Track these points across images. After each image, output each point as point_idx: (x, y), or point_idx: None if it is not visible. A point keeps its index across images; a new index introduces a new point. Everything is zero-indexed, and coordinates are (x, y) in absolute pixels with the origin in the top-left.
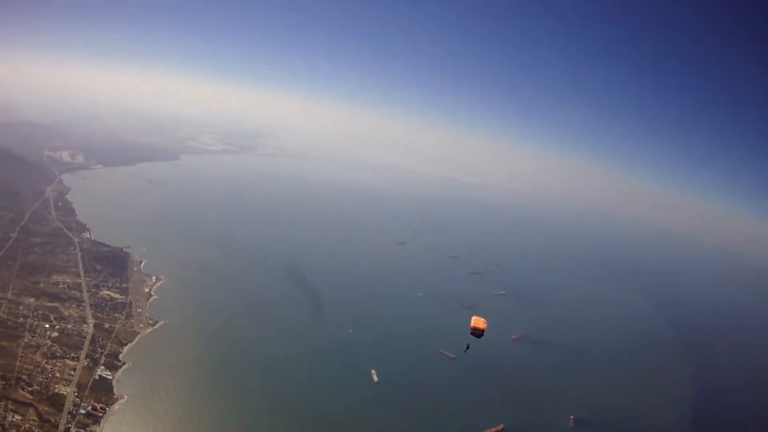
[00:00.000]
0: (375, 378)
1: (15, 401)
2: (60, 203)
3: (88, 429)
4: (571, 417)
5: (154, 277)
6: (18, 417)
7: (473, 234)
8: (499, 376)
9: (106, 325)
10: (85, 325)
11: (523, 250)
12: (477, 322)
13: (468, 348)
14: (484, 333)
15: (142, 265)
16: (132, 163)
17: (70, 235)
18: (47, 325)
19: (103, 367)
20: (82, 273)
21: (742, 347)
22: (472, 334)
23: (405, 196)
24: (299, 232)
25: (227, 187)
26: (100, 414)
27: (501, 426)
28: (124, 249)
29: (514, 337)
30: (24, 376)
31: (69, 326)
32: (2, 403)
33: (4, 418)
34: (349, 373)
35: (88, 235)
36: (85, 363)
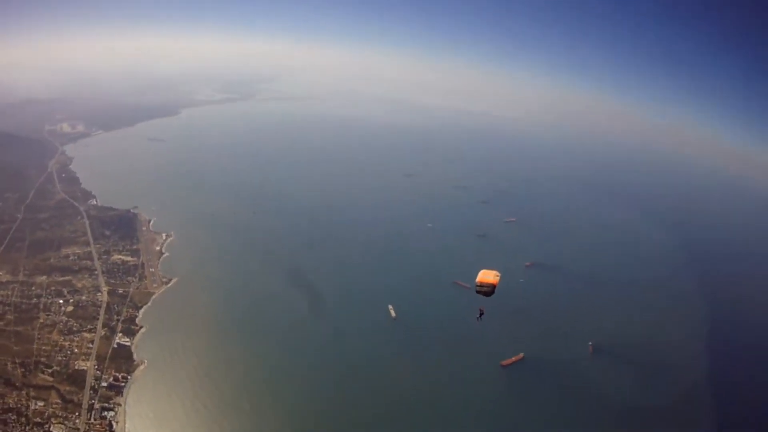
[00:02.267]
0: (393, 313)
1: (36, 387)
2: (64, 175)
3: (111, 402)
4: (590, 343)
5: (164, 234)
6: (41, 403)
7: (481, 163)
8: (515, 303)
9: (120, 290)
10: (99, 294)
11: (531, 177)
12: (486, 274)
13: (482, 314)
14: (495, 288)
15: (150, 223)
16: (131, 123)
17: (76, 204)
18: (61, 301)
19: (120, 335)
20: (91, 241)
21: (756, 269)
22: (478, 292)
23: (411, 129)
24: (305, 172)
25: (229, 136)
26: (122, 383)
27: (521, 354)
28: (132, 210)
29: (526, 264)
30: (43, 359)
31: (83, 298)
32: (24, 392)
33: (27, 407)
34: (366, 310)
35: (95, 202)
36: (103, 333)
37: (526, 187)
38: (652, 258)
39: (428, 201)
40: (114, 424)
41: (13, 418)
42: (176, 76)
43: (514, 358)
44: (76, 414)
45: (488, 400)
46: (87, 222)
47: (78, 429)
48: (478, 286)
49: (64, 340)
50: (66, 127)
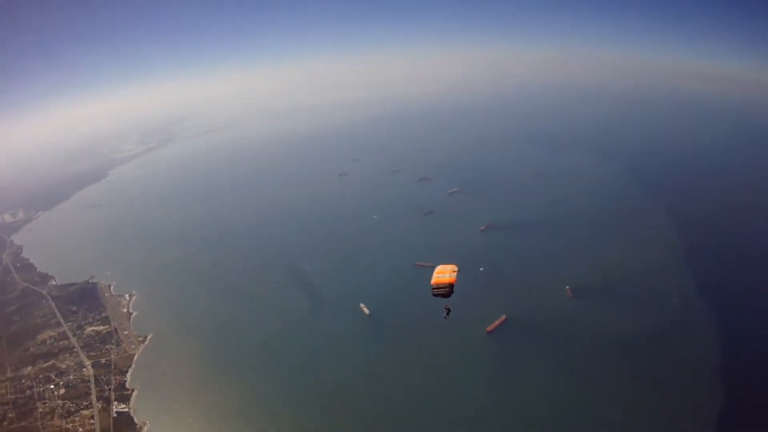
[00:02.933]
0: (366, 311)
1: None
2: (18, 264)
3: None
4: (567, 288)
5: (127, 295)
6: None
7: (412, 144)
8: (485, 269)
9: (103, 360)
10: (84, 369)
11: (465, 146)
12: (442, 272)
13: (449, 312)
14: (453, 288)
15: (111, 288)
16: (68, 196)
17: (38, 289)
18: (52, 386)
19: (116, 403)
20: (62, 321)
21: (723, 190)
22: (435, 294)
23: (336, 130)
24: (242, 199)
25: (159, 185)
26: None
27: (504, 317)
28: (90, 280)
29: (481, 228)
30: None
31: (71, 377)
32: None
33: None
34: (339, 315)
35: (54, 282)
36: (99, 406)
37: (463, 157)
38: (612, 197)
39: (369, 193)
40: None
41: None
42: (94, 139)
43: (497, 322)
44: None
45: (482, 366)
46: (53, 303)
47: None
48: (434, 288)
49: (67, 422)
50: (8, 218)
